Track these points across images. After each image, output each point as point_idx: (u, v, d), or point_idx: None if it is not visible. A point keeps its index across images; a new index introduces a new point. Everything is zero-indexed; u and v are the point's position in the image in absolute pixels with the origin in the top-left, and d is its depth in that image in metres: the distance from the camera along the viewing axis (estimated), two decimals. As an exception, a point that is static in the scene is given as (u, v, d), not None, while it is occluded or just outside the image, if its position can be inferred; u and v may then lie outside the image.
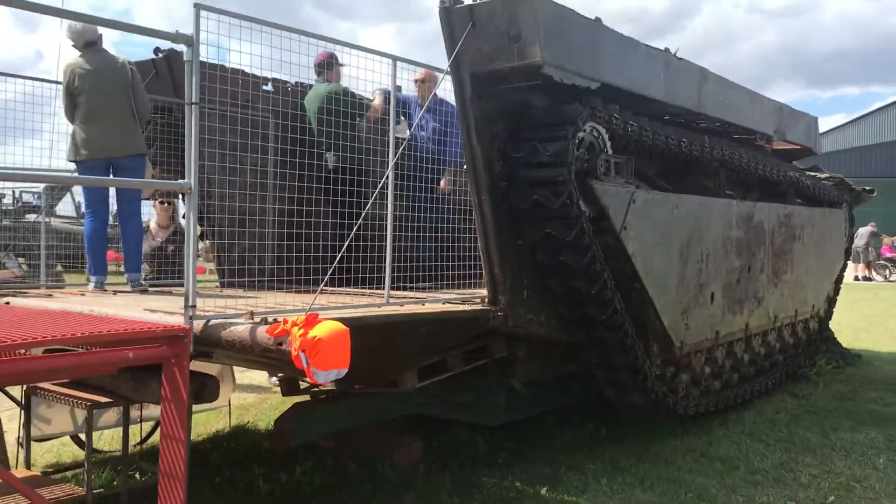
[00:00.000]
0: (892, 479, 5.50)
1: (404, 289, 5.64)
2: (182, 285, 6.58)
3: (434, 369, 5.77)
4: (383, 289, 4.99)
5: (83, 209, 6.94)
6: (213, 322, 3.56)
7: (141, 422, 5.81)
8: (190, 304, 3.48)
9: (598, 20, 5.02)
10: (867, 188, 10.92)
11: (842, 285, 10.46)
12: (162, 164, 6.34)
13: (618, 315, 5.28)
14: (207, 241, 6.86)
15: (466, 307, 4.92)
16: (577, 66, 4.82)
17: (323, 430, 5.60)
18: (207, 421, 6.85)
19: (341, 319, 3.53)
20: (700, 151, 6.38)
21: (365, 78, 4.73)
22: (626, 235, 5.22)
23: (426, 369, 5.75)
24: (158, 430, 6.23)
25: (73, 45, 5.73)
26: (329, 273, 4.03)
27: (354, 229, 4.18)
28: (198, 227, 7.38)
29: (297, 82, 7.00)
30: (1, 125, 6.17)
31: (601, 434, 6.37)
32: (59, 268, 8.38)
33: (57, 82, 6.11)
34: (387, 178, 4.67)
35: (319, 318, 3.24)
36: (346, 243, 4.41)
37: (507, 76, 4.64)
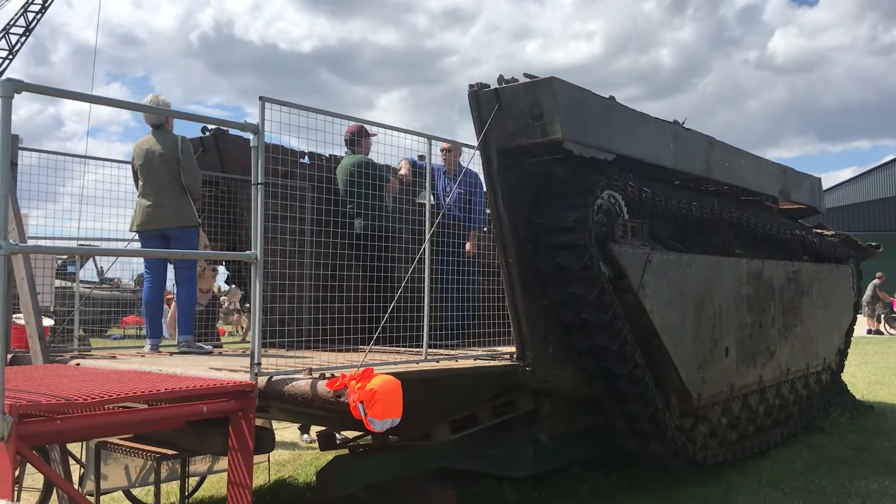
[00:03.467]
0: (906, 526, 5.75)
1: (436, 347, 6.02)
2: (218, 346, 7.03)
3: (464, 423, 6.14)
4: (418, 347, 5.38)
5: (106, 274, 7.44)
6: (275, 378, 3.95)
7: (188, 476, 6.16)
8: (255, 361, 3.88)
9: (611, 98, 5.51)
10: (873, 244, 11.28)
11: (857, 339, 10.73)
12: (210, 233, 6.81)
13: (638, 369, 5.63)
14: (248, 305, 7.28)
15: (497, 362, 5.29)
16: (594, 140, 5.28)
17: (362, 482, 5.90)
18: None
19: (392, 374, 3.91)
20: (710, 213, 6.81)
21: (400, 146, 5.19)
22: (643, 294, 5.61)
23: (457, 423, 6.11)
24: (207, 481, 6.59)
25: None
26: (377, 332, 4.42)
27: (398, 293, 4.56)
28: (239, 290, 7.83)
29: (330, 155, 7.52)
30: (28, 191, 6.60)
31: (624, 484, 6.65)
32: (81, 332, 8.79)
33: (78, 156, 6.74)
34: (424, 243, 5.07)
35: (375, 373, 3.62)
36: (391, 305, 4.83)
37: (531, 151, 5.10)
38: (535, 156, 5.15)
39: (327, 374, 3.89)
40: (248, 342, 7.48)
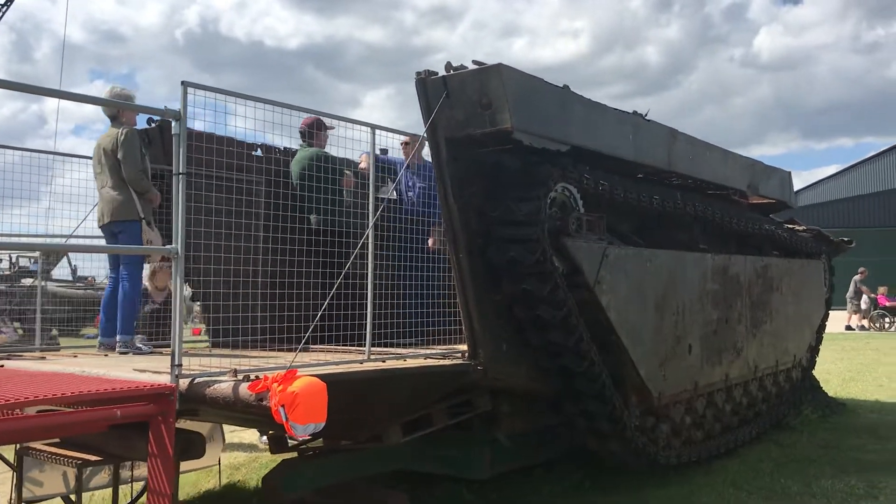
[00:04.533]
0: (868, 526, 5.61)
1: (392, 345, 5.81)
2: (163, 346, 6.78)
3: (419, 424, 5.94)
4: (374, 345, 5.17)
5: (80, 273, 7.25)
6: (198, 380, 3.73)
7: (132, 481, 5.93)
8: (176, 363, 3.66)
9: (566, 87, 5.32)
10: (845, 239, 11.17)
11: (835, 335, 10.62)
12: (161, 228, 6.57)
13: (595, 366, 5.45)
14: (198, 303, 7.04)
15: (446, 362, 5.09)
16: (546, 131, 5.09)
17: (311, 486, 5.70)
18: (198, 480, 6.93)
19: (319, 376, 3.70)
20: (673, 207, 6.63)
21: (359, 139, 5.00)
22: (599, 289, 5.43)
23: (411, 424, 5.91)
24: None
25: None
26: (309, 332, 4.21)
27: (334, 288, 4.35)
28: (187, 288, 7.60)
29: (284, 147, 7.29)
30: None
31: (586, 485, 6.48)
32: (54, 332, 8.52)
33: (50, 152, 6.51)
34: (367, 237, 4.87)
35: (298, 374, 3.41)
36: (325, 302, 4.62)
37: (480, 141, 4.90)
38: (485, 146, 4.95)
39: (252, 376, 3.68)
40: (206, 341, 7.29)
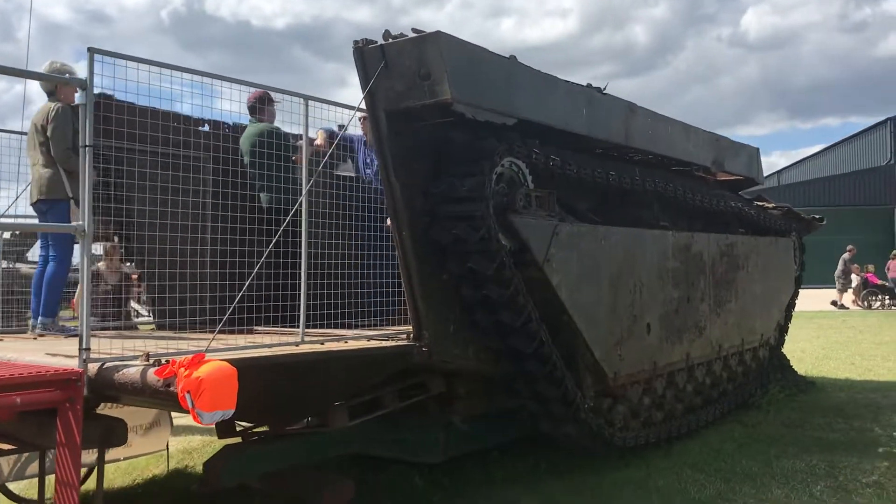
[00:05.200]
0: (824, 506, 5.51)
1: (345, 326, 5.62)
2: (127, 328, 6.59)
3: (368, 407, 5.78)
4: (324, 327, 4.99)
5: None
6: (108, 365, 3.54)
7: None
8: (84, 346, 3.46)
9: (512, 58, 5.12)
10: (817, 216, 11.07)
11: (814, 313, 10.52)
12: (98, 208, 6.34)
13: (545, 347, 5.29)
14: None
15: (388, 344, 4.91)
16: (491, 103, 4.89)
17: (255, 472, 5.53)
18: (147, 465, 6.76)
19: (235, 360, 3.52)
20: (631, 184, 6.46)
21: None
22: (549, 268, 5.26)
23: (360, 407, 5.75)
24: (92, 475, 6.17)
25: None
26: (227, 314, 4.03)
27: (255, 267, 4.17)
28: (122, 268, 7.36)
29: (234, 123, 7.06)
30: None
31: (542, 468, 6.34)
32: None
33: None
34: (296, 208, 4.68)
35: (206, 359, 3.23)
36: (246, 283, 4.44)
37: (420, 113, 4.70)
38: (426, 119, 4.75)
39: (163, 361, 3.49)
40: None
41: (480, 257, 4.90)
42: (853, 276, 26.52)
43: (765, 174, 9.87)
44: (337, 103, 5.08)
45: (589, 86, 5.94)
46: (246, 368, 3.76)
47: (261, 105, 6.71)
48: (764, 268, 8.92)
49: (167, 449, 6.56)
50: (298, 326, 5.59)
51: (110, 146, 6.49)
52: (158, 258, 6.21)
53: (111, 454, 6.18)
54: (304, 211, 4.84)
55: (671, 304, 6.82)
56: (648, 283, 6.43)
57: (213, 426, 7.48)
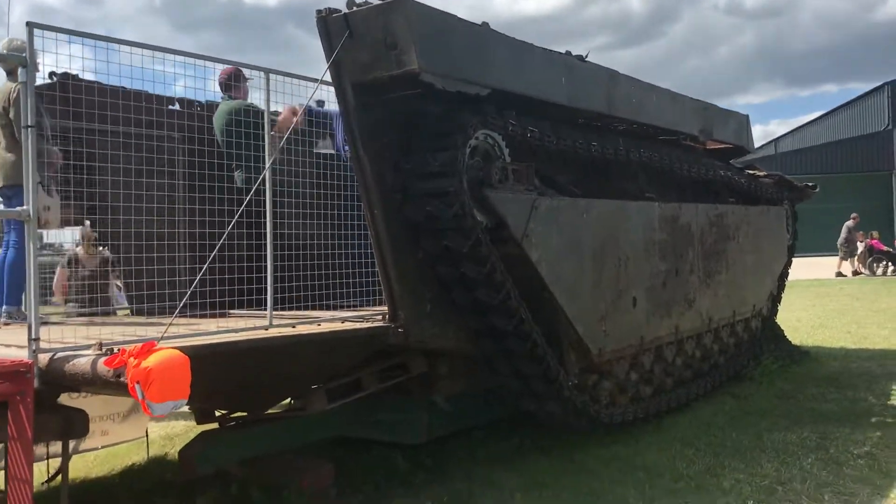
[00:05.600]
0: (815, 479, 5.39)
1: (324, 307, 5.47)
2: (105, 314, 6.44)
3: (348, 389, 5.65)
4: (301, 310, 4.85)
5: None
6: (59, 355, 3.40)
7: (48, 458, 5.63)
8: (33, 336, 3.31)
9: (485, 25, 4.92)
10: (809, 184, 10.89)
11: (810, 281, 10.37)
12: (63, 192, 6.17)
13: (524, 325, 5.14)
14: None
15: (360, 325, 4.76)
16: (462, 73, 4.70)
17: (232, 458, 5.42)
18: (128, 453, 6.65)
19: (195, 347, 3.37)
20: (614, 154, 6.28)
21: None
22: (528, 243, 5.10)
23: (339, 390, 5.63)
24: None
25: None
26: (185, 298, 3.87)
27: (215, 250, 4.01)
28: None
29: (207, 101, 6.86)
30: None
31: (526, 446, 6.23)
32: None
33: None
34: (256, 185, 4.50)
35: (157, 347, 3.08)
36: (202, 266, 4.28)
37: (388, 85, 4.51)
38: (394, 91, 4.56)
39: (115, 350, 3.34)
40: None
41: (455, 234, 4.74)
42: (858, 242, 26.34)
43: (762, 143, 9.70)
44: (300, 76, 4.89)
45: (568, 53, 5.74)
46: (208, 355, 3.63)
47: (235, 83, 6.51)
48: (755, 237, 8.75)
49: (146, 436, 6.43)
50: (286, 308, 5.46)
51: (78, 128, 6.33)
52: (133, 242, 6.08)
53: (88, 443, 6.07)
54: (268, 189, 4.68)
55: (658, 277, 6.67)
56: (634, 256, 6.28)
57: (192, 412, 7.39)
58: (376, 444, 6.20)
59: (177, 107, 6.61)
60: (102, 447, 6.17)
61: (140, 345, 3.08)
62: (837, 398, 7.87)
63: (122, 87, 5.84)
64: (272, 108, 6.47)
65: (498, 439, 6.37)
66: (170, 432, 7.33)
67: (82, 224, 7.00)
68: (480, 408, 6.38)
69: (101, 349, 3.39)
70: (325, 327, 4.71)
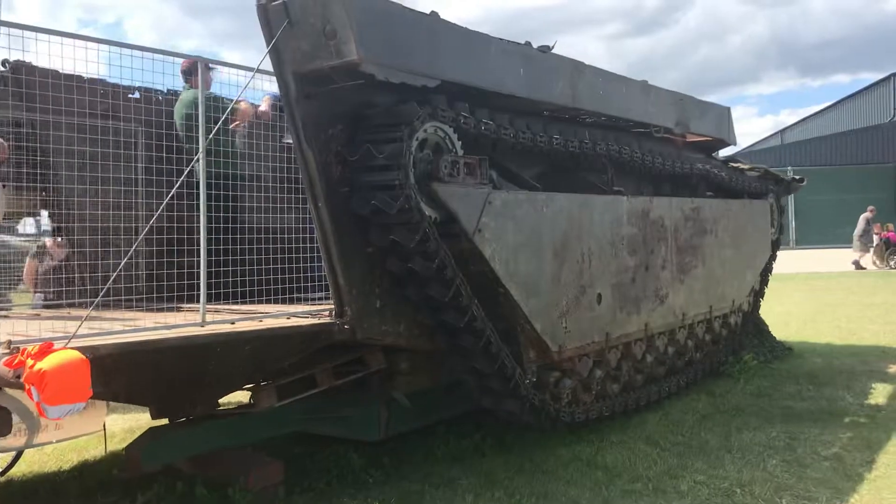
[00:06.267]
0: (777, 482, 5.28)
1: (282, 301, 5.36)
2: (71, 306, 6.34)
3: (302, 385, 5.56)
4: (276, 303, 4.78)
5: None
6: (-29, 353, 3.29)
7: None
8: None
9: (433, 14, 4.78)
10: (797, 177, 10.73)
11: (806, 274, 10.22)
12: (17, 183, 6.08)
13: (477, 322, 5.02)
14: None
15: (302, 322, 4.65)
16: (408, 64, 4.57)
17: (179, 455, 5.33)
18: (86, 447, 6.57)
19: (107, 346, 3.26)
20: (579, 147, 6.13)
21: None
22: (481, 238, 4.97)
23: (291, 386, 5.53)
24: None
25: None
26: (102, 292, 3.76)
27: (138, 241, 3.90)
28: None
29: (168, 90, 6.75)
30: None
31: (487, 444, 6.12)
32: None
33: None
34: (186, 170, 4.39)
35: (55, 348, 2.97)
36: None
37: (330, 75, 4.38)
38: (337, 82, 4.43)
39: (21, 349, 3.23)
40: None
41: (402, 229, 4.62)
42: (874, 235, 26.05)
43: (767, 133, 9.55)
44: (237, 65, 4.77)
45: (528, 44, 5.59)
46: (121, 355, 3.53)
47: (193, 71, 6.39)
48: (736, 232, 8.60)
49: (104, 430, 6.32)
50: (247, 302, 5.36)
51: (32, 117, 6.22)
52: (89, 237, 5.99)
53: (41, 437, 5.97)
54: (202, 180, 4.56)
55: (627, 273, 6.53)
56: (599, 251, 6.14)
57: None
58: (335, 441, 6.10)
59: (137, 95, 6.50)
60: (56, 441, 6.07)
61: (38, 345, 2.97)
62: (814, 396, 7.74)
63: (79, 75, 5.71)
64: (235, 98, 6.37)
65: (460, 436, 6.26)
66: (133, 425, 7.24)
67: (38, 215, 6.92)
68: (443, 403, 6.27)
69: (9, 347, 3.28)
70: (267, 324, 4.60)
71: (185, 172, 4.15)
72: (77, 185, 5.99)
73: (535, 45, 5.78)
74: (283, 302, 5.29)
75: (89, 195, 5.97)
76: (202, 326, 4.31)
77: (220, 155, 5.98)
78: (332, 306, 4.82)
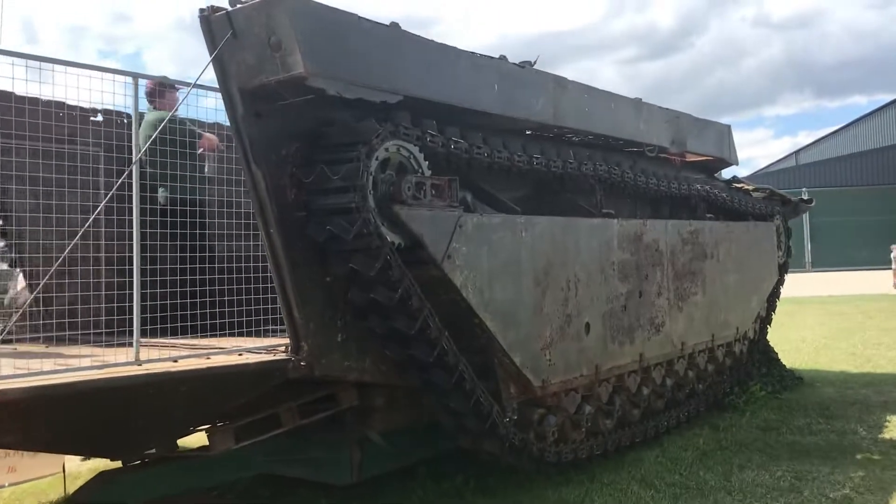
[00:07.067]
0: (778, 529, 4.83)
1: (249, 335, 5.01)
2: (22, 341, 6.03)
3: (270, 425, 5.18)
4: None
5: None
6: None
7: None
8: None
9: (394, 25, 4.45)
10: (805, 198, 10.31)
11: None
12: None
13: (448, 356, 4.64)
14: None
15: (247, 360, 4.28)
16: (365, 78, 4.24)
17: (133, 500, 4.96)
18: (45, 490, 6.20)
19: (16, 389, 2.91)
20: (562, 168, 5.76)
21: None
22: (451, 265, 4.60)
23: (255, 426, 5.16)
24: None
25: None
26: (12, 322, 3.40)
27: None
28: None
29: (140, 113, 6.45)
30: None
31: (470, 486, 5.69)
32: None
33: None
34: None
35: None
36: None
37: (278, 91, 4.05)
38: (286, 97, 4.10)
39: None
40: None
41: (361, 256, 4.26)
42: (892, 256, 25.52)
43: (784, 154, 9.18)
44: (176, 81, 4.45)
45: (503, 58, 5.24)
46: (35, 398, 3.18)
47: (160, 88, 6.11)
48: (740, 255, 8.18)
49: (63, 471, 5.97)
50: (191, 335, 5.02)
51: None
52: (42, 268, 5.68)
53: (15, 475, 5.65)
54: (136, 206, 4.22)
55: (618, 301, 6.13)
56: (587, 278, 5.75)
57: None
58: (307, 485, 5.70)
59: (99, 118, 6.21)
60: (10, 485, 5.72)
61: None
62: (824, 430, 7.26)
63: (38, 97, 5.43)
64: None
65: (440, 478, 5.84)
66: (100, 465, 6.86)
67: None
68: (424, 442, 5.85)
69: None
70: (214, 361, 4.23)
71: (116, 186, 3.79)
72: (31, 213, 5.69)
73: (546, 70, 5.43)
74: (254, 335, 4.94)
75: (44, 223, 5.67)
76: (139, 365, 3.95)
77: (182, 180, 5.69)
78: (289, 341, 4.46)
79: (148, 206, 6.03)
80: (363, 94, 4.21)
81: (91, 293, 5.25)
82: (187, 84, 5.45)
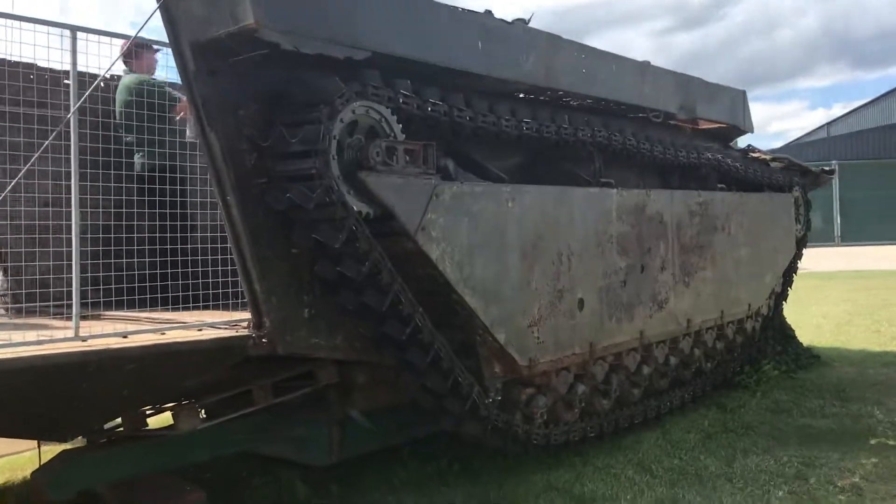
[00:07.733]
0: (778, 521, 4.50)
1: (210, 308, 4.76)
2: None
3: (243, 402, 4.95)
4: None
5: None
6: None
7: None
8: None
9: (360, -26, 4.09)
10: (826, 168, 9.82)
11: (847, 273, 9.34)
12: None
13: (423, 333, 4.34)
14: None
15: (201, 336, 4.00)
16: (325, 31, 3.90)
17: (96, 480, 4.74)
18: (24, 465, 6.03)
19: None
20: (556, 133, 5.39)
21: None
22: (425, 237, 4.28)
23: (224, 403, 4.93)
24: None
25: None
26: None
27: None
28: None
29: (111, 75, 6.18)
30: None
31: (451, 471, 5.42)
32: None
33: None
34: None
35: None
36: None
37: (230, 45, 3.73)
38: (239, 53, 3.77)
39: None
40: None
41: (325, 226, 3.95)
42: None
43: (816, 126, 8.71)
44: (113, 34, 4.14)
45: (488, 12, 4.86)
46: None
47: (136, 49, 5.81)
48: (753, 228, 7.76)
49: (38, 446, 5.78)
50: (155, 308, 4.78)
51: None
52: (13, 235, 5.47)
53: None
54: (74, 173, 3.94)
55: (616, 276, 5.77)
56: (581, 251, 5.40)
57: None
58: (287, 465, 5.47)
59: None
60: (-20, 461, 5.56)
61: None
62: (837, 413, 6.89)
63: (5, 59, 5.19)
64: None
65: (424, 459, 5.58)
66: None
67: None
68: (406, 423, 5.58)
69: None
70: (169, 337, 3.96)
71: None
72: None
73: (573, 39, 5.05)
74: (230, 308, 4.68)
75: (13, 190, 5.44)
76: (83, 341, 3.69)
77: (154, 145, 5.44)
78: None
79: (123, 173, 5.88)
80: (324, 49, 3.87)
81: (63, 262, 5.04)
82: (166, 44, 5.20)
